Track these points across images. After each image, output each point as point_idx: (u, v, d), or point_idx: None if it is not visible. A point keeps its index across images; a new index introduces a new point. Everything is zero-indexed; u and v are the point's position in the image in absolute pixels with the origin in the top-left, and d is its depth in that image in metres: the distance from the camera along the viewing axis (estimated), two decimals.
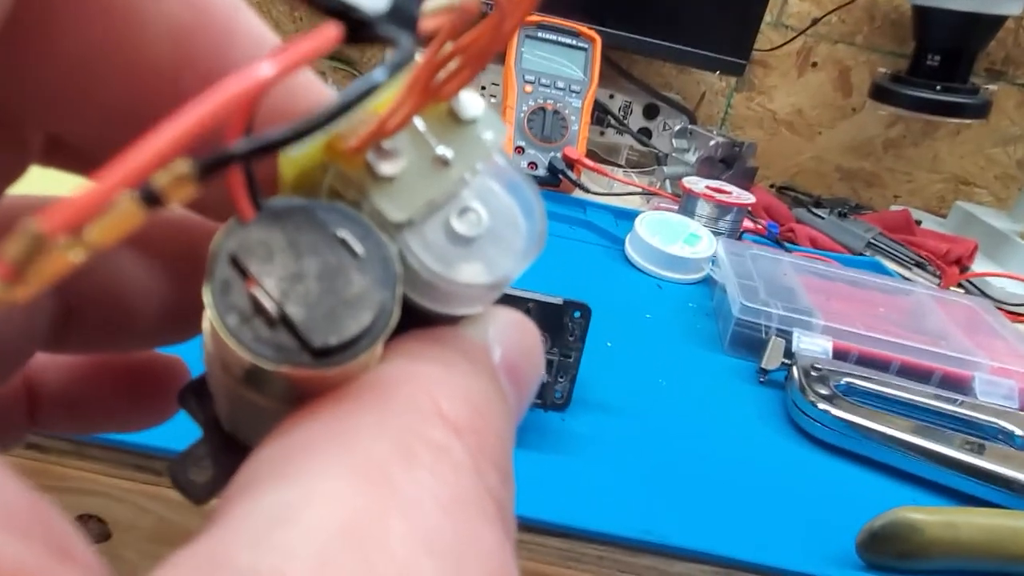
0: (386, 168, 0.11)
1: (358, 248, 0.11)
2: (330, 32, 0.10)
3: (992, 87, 1.06)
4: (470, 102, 0.12)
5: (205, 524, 0.09)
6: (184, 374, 0.18)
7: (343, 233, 0.11)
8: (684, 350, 0.60)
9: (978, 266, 0.95)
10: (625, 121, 1.07)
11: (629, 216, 0.82)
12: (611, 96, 1.07)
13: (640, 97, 1.08)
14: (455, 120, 0.12)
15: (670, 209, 0.85)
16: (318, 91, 0.13)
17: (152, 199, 0.09)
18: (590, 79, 0.93)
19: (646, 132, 1.09)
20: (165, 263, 0.15)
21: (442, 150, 0.12)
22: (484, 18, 0.11)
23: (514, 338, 0.13)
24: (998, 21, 0.97)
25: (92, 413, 0.17)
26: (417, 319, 0.12)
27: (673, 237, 0.75)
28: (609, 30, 0.97)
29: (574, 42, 0.94)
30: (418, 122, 0.12)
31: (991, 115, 1.09)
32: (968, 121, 1.11)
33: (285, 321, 0.10)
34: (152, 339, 0.16)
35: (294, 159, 0.12)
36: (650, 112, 1.09)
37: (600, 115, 1.04)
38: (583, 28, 0.94)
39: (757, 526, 0.41)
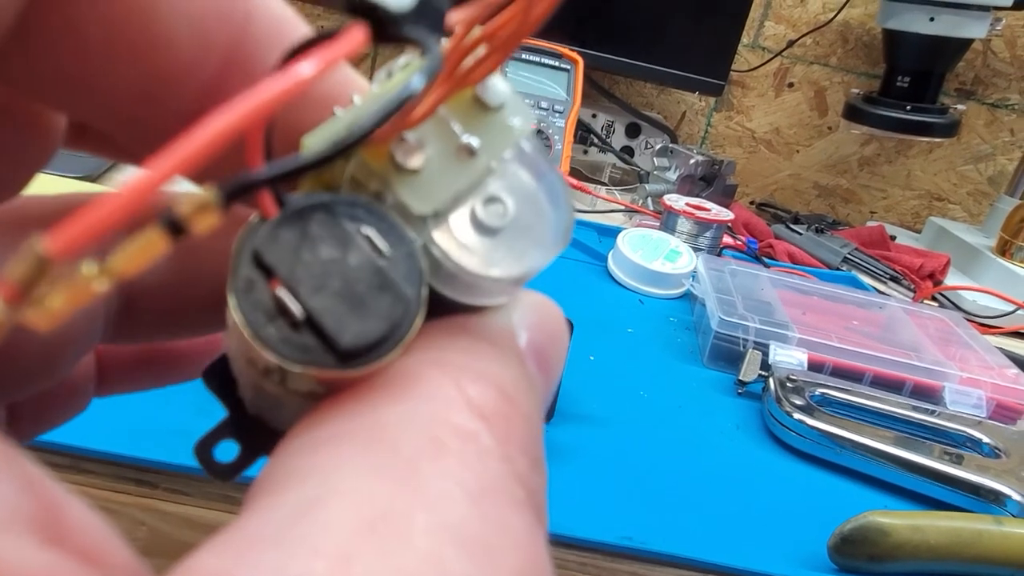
0: (410, 161, 0.11)
1: (382, 245, 0.11)
2: (357, 33, 0.10)
3: (961, 107, 1.10)
4: (497, 88, 0.12)
5: (231, 520, 0.09)
6: None
7: (367, 230, 0.11)
8: (664, 363, 0.62)
9: (951, 280, 0.97)
10: (608, 140, 1.09)
11: (611, 233, 0.84)
12: (594, 116, 1.09)
13: (622, 116, 1.11)
14: (481, 107, 0.12)
15: (651, 226, 0.87)
16: (352, 79, 0.13)
17: (176, 228, 0.09)
18: (573, 99, 0.95)
19: (628, 150, 1.12)
20: (213, 256, 0.15)
21: (468, 139, 0.11)
22: (512, 2, 0.11)
23: (539, 321, 0.13)
24: (964, 44, 1.01)
25: (154, 376, 0.18)
26: (441, 308, 0.11)
27: (654, 253, 0.77)
28: (591, 52, 0.99)
29: (557, 63, 0.96)
30: (442, 109, 0.11)
31: (962, 134, 1.13)
32: (938, 139, 1.14)
33: (310, 322, 0.10)
34: (204, 328, 0.17)
35: None
36: (632, 131, 1.11)
37: (583, 134, 1.06)
38: (566, 50, 0.96)
39: (734, 531, 0.43)
